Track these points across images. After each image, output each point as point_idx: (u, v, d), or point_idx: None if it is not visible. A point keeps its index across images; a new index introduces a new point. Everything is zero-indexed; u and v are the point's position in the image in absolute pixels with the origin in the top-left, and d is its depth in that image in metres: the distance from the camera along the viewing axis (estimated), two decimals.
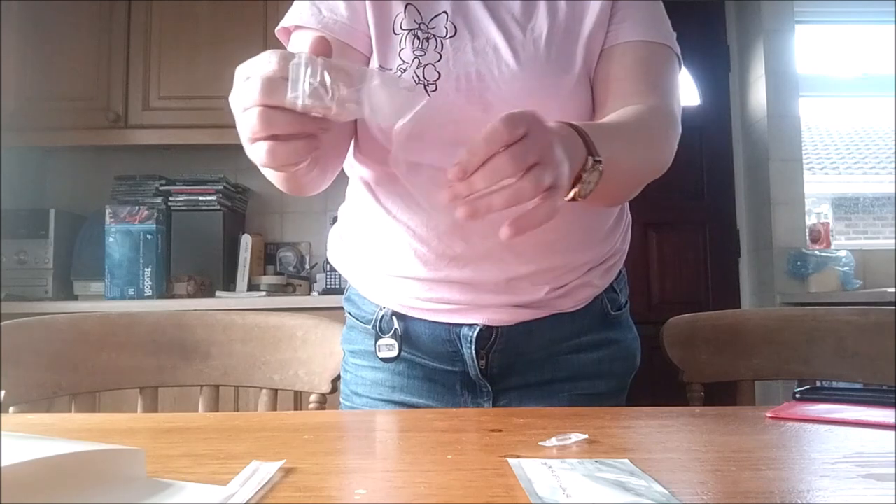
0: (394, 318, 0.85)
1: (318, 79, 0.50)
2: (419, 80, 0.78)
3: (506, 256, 0.80)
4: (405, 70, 0.79)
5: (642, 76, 0.81)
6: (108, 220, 2.36)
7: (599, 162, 0.60)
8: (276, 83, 0.51)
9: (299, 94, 0.50)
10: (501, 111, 0.79)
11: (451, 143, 0.62)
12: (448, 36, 0.80)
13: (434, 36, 0.80)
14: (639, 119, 0.74)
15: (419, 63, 0.79)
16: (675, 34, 0.86)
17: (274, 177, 0.75)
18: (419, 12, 0.81)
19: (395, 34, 0.80)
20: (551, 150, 0.54)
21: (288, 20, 0.82)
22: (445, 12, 0.81)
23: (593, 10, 0.82)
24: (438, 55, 0.79)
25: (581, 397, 0.86)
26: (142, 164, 2.72)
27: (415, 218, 0.81)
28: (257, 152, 0.54)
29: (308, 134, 0.54)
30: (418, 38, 0.80)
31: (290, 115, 0.52)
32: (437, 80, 0.78)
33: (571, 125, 0.61)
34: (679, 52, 0.86)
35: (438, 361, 0.86)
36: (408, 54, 0.79)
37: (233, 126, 0.56)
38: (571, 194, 0.60)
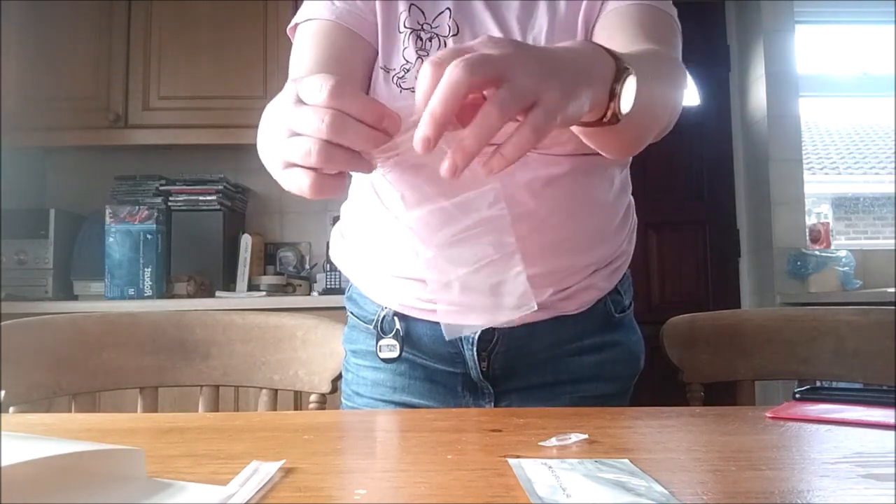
0: (395, 318, 0.85)
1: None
2: None
3: None
4: (409, 70, 0.79)
5: (635, 29, 0.76)
6: (108, 220, 2.36)
7: (629, 70, 0.53)
8: (346, 122, 0.47)
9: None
10: None
11: None
12: (451, 34, 0.80)
13: (437, 35, 0.80)
14: (650, 52, 0.69)
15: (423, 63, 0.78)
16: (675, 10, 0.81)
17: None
18: (422, 12, 0.81)
19: (399, 32, 0.81)
20: (544, 80, 0.46)
21: (301, 16, 0.82)
22: (448, 9, 0.81)
23: (586, 4, 0.80)
24: None
25: (583, 399, 0.86)
26: (142, 164, 2.72)
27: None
28: (295, 180, 0.51)
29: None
30: (421, 39, 0.80)
31: (351, 155, 0.49)
32: None
33: (591, 42, 0.56)
34: (676, 15, 0.81)
35: (440, 362, 0.86)
36: (411, 54, 0.79)
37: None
38: (609, 114, 0.54)
